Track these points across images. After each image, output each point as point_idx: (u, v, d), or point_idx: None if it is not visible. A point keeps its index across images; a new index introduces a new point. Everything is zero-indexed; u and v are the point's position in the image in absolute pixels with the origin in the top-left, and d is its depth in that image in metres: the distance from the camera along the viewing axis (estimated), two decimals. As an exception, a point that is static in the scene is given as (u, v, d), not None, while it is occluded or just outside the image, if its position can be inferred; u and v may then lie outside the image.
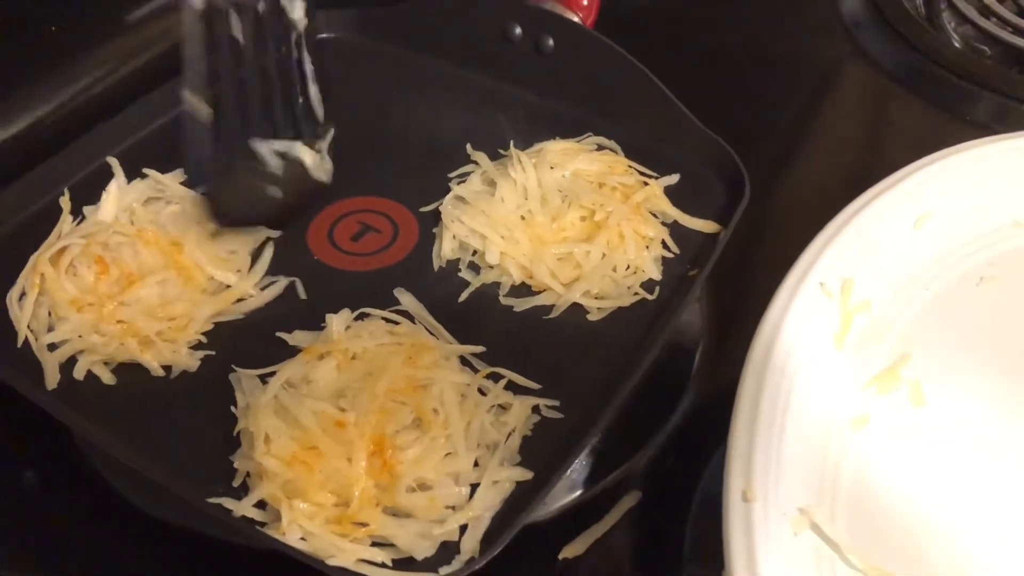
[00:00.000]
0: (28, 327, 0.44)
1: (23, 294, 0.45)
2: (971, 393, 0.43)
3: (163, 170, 0.51)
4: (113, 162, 0.51)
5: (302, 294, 0.47)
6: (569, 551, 0.41)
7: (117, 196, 0.49)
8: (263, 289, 0.48)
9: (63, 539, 0.42)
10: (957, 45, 0.71)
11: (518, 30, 0.59)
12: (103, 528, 0.42)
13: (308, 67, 0.43)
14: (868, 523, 0.38)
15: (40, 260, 0.46)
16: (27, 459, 0.45)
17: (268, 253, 0.49)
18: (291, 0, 0.43)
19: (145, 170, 0.51)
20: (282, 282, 0.47)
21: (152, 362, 0.43)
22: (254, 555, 0.39)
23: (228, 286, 0.47)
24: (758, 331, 0.40)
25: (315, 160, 0.42)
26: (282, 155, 0.41)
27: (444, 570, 0.37)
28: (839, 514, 0.37)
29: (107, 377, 0.43)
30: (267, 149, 0.41)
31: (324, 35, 0.63)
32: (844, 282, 0.43)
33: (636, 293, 0.48)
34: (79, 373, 0.43)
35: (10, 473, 0.44)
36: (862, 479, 0.39)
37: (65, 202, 0.49)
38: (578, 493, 0.43)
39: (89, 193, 0.50)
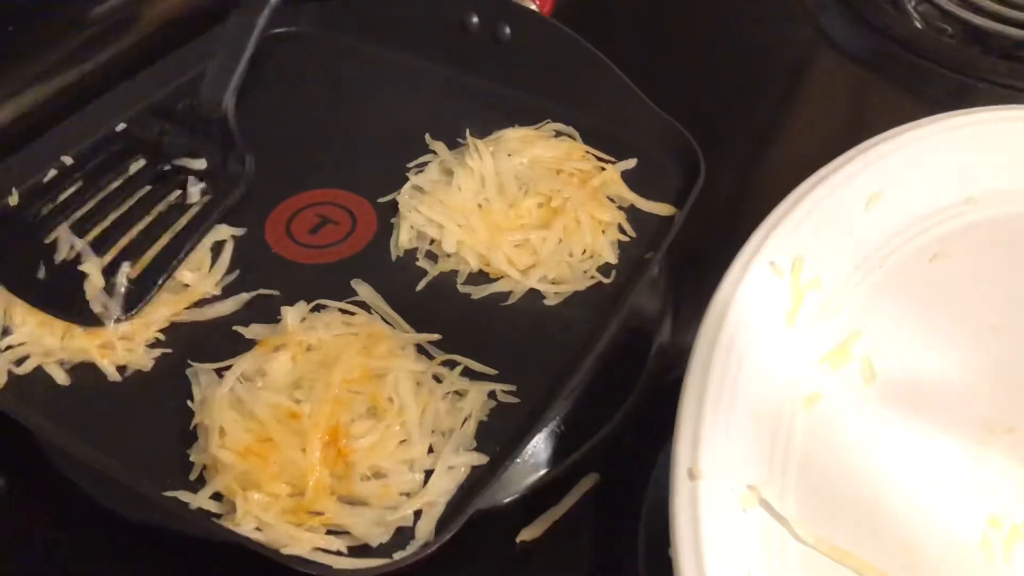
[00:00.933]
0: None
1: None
2: (923, 369, 0.43)
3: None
4: (68, 162, 0.51)
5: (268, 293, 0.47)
6: (527, 534, 0.41)
7: (73, 194, 0.49)
8: (225, 291, 0.47)
9: (25, 535, 0.42)
10: (918, 25, 0.72)
11: (475, 19, 0.59)
12: (67, 525, 0.42)
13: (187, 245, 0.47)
14: (819, 499, 0.38)
15: None
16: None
17: (228, 250, 0.49)
18: (194, 184, 0.49)
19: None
20: (244, 296, 0.47)
21: (109, 366, 0.43)
22: (216, 548, 0.39)
23: (187, 285, 0.47)
24: (707, 310, 0.41)
25: (97, 291, 0.44)
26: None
27: (399, 555, 0.37)
28: (789, 491, 0.38)
29: (61, 377, 0.43)
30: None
31: (283, 29, 0.63)
32: (795, 260, 0.44)
33: (592, 277, 0.48)
34: (29, 370, 0.43)
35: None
36: (813, 456, 0.39)
37: (14, 200, 0.49)
38: (536, 476, 0.43)
39: (44, 196, 0.49)
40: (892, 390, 0.42)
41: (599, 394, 0.45)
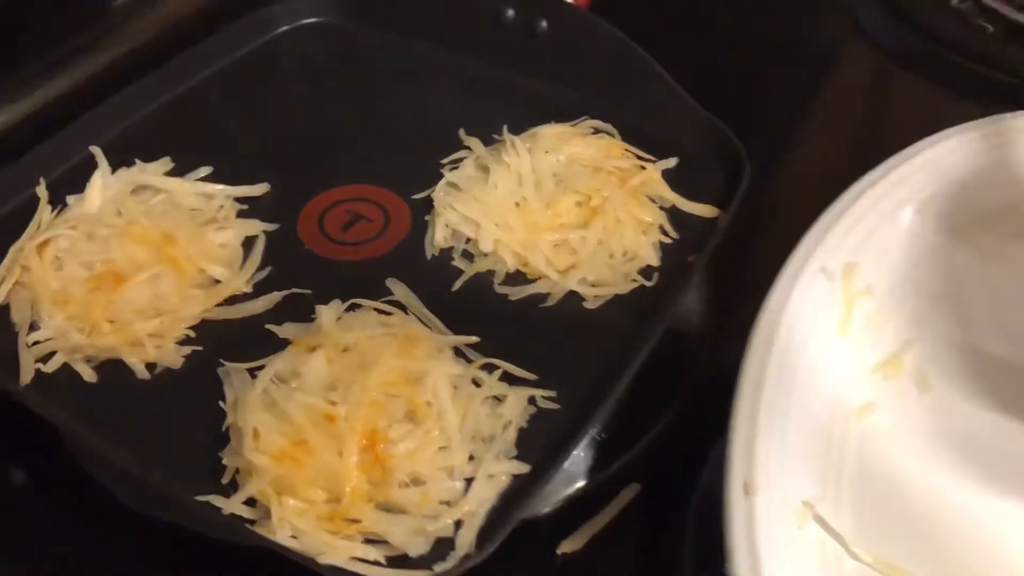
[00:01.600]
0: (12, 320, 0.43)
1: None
2: (978, 378, 0.42)
3: (148, 159, 0.50)
4: (96, 151, 0.50)
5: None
6: (567, 545, 0.40)
7: (102, 186, 0.48)
8: (256, 288, 0.46)
9: (51, 537, 0.41)
10: (959, 23, 0.70)
11: (511, 12, 0.57)
12: (93, 526, 0.41)
13: None
14: (874, 514, 0.37)
15: (27, 249, 0.44)
16: (14, 456, 0.44)
17: (260, 246, 0.48)
18: None
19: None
20: (277, 295, 0.45)
21: (138, 364, 0.42)
22: (245, 552, 0.38)
23: (218, 281, 0.46)
24: (758, 319, 0.39)
25: None
26: None
27: (439, 567, 0.36)
28: (844, 506, 0.37)
29: (88, 374, 0.42)
30: None
31: (311, 20, 0.62)
32: (846, 267, 0.42)
33: (633, 280, 0.46)
34: (56, 367, 0.42)
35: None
36: (867, 469, 0.38)
37: (42, 192, 0.48)
38: (577, 486, 0.42)
39: (73, 185, 0.49)
40: (948, 401, 0.41)
41: (640, 401, 0.44)
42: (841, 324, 0.41)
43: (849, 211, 0.44)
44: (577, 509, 0.41)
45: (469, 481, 0.38)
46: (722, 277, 0.50)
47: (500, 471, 0.38)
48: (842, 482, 0.37)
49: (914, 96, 0.67)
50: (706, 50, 0.68)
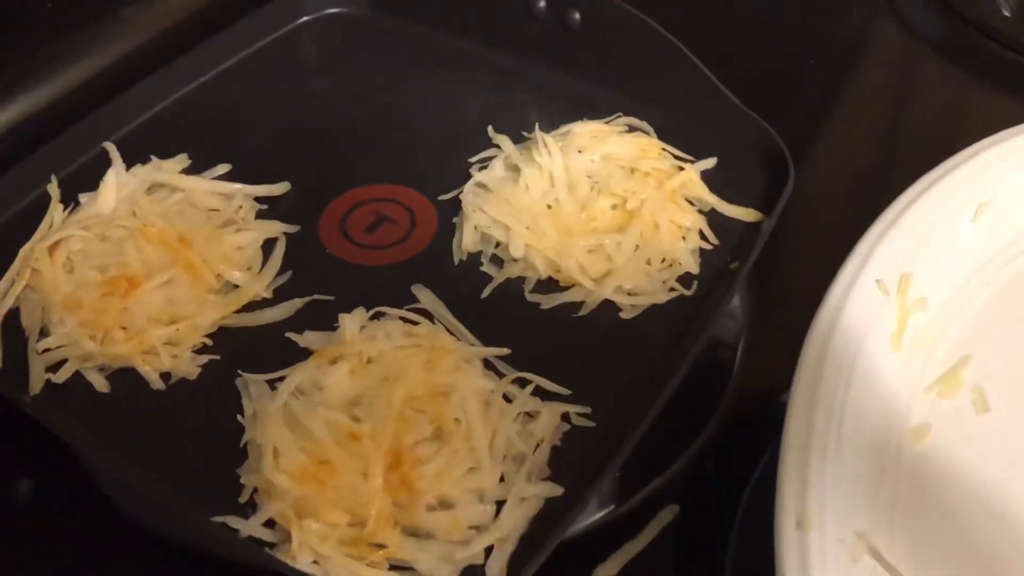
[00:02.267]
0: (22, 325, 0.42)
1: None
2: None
3: (164, 156, 0.49)
4: (111, 148, 0.48)
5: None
6: (603, 571, 0.38)
7: (116, 184, 0.46)
8: (276, 293, 0.44)
9: (62, 554, 0.39)
10: (1006, 13, 0.67)
11: (542, 3, 0.55)
12: (104, 545, 0.39)
13: None
14: (931, 545, 0.35)
15: (38, 250, 0.43)
16: (21, 465, 0.42)
17: (280, 249, 0.46)
18: None
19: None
20: (298, 302, 0.44)
21: (152, 373, 0.41)
22: (263, 576, 0.36)
23: (236, 286, 0.44)
24: (809, 335, 0.37)
25: None
26: None
27: (468, 597, 0.34)
28: (898, 536, 0.34)
29: (100, 383, 0.40)
30: None
31: (335, 10, 0.60)
32: (901, 278, 0.40)
33: (672, 288, 0.44)
34: (67, 376, 0.40)
35: (6, 485, 0.41)
36: (923, 496, 0.36)
37: (54, 190, 0.46)
38: (611, 508, 0.39)
39: (86, 182, 0.47)
40: (1008, 422, 0.38)
41: (679, 417, 0.42)
42: (894, 339, 0.39)
43: (903, 218, 0.42)
44: (613, 532, 0.39)
45: (500, 504, 0.36)
46: (764, 286, 0.48)
47: (532, 494, 0.37)
48: (896, 511, 0.35)
49: (961, 92, 0.64)
50: (743, 44, 0.66)
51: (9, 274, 0.43)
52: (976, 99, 0.64)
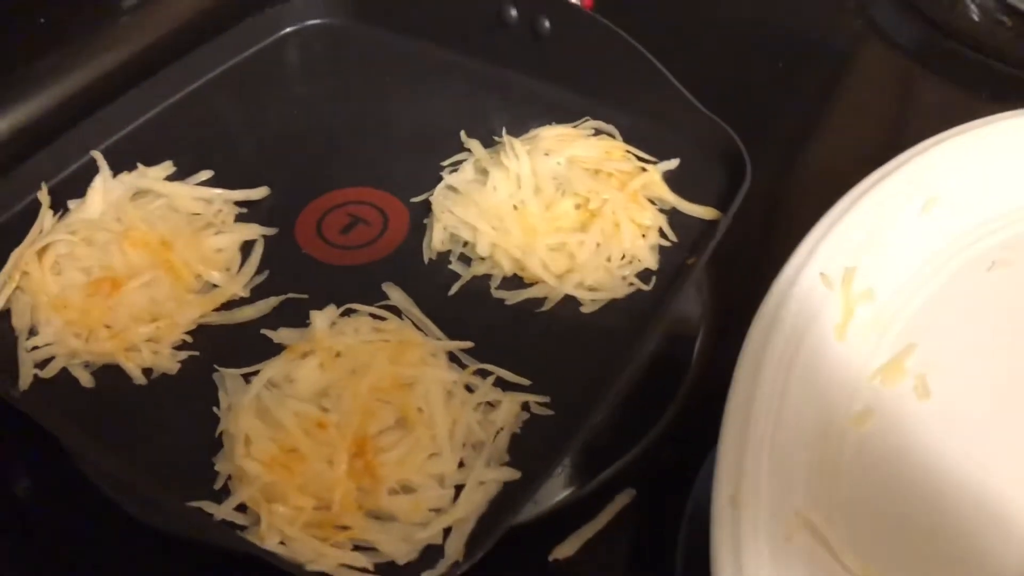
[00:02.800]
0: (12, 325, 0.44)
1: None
2: (980, 385, 0.41)
3: (150, 163, 0.51)
4: (98, 156, 0.50)
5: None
6: (560, 552, 0.39)
7: (103, 191, 0.48)
8: (253, 292, 0.46)
9: (51, 543, 0.42)
10: (975, 17, 0.69)
11: (514, 12, 0.56)
12: (93, 532, 0.41)
13: None
14: (870, 524, 0.36)
15: (27, 254, 0.45)
16: (15, 461, 0.44)
17: (258, 251, 0.48)
18: None
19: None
20: (273, 300, 0.46)
21: (134, 369, 0.43)
22: (241, 560, 0.38)
23: (215, 286, 0.46)
24: (753, 323, 0.39)
25: None
26: None
27: (427, 574, 0.36)
28: (837, 517, 0.36)
29: (85, 379, 0.42)
30: None
31: (317, 21, 0.62)
32: (846, 271, 0.41)
33: (631, 284, 0.46)
34: (54, 372, 0.43)
35: (-1, 477, 0.43)
36: (863, 479, 0.37)
37: (44, 197, 0.48)
38: (569, 491, 0.41)
39: (75, 189, 0.49)
40: (948, 409, 0.40)
41: (636, 406, 0.44)
42: (839, 328, 0.40)
43: (851, 212, 0.43)
44: (571, 514, 0.41)
45: (459, 488, 0.38)
46: (724, 281, 0.50)
47: (491, 478, 0.38)
48: (836, 492, 0.36)
49: (928, 93, 0.66)
50: (714, 48, 0.67)
51: (0, 277, 0.45)
52: (944, 99, 0.65)
